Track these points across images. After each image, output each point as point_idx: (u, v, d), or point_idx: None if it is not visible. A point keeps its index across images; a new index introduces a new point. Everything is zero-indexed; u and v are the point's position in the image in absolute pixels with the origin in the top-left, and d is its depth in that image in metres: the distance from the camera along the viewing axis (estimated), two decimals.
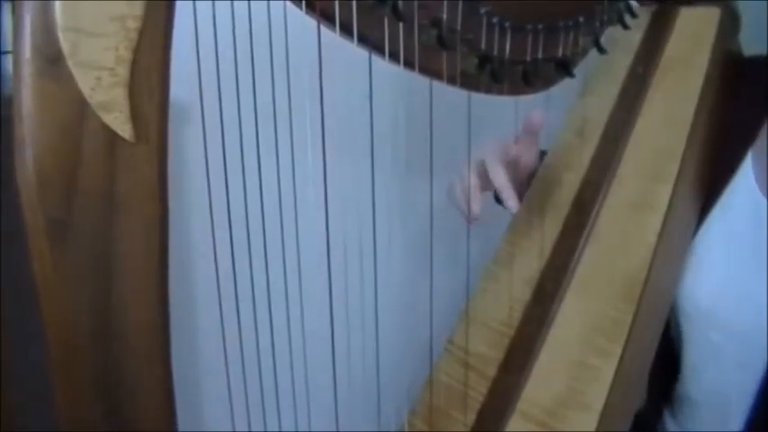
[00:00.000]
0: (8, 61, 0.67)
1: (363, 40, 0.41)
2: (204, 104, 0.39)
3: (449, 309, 0.63)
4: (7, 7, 0.65)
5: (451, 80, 0.47)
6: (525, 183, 0.70)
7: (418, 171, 0.60)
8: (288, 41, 0.42)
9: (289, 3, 0.38)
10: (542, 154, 0.73)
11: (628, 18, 0.62)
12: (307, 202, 0.49)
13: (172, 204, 0.35)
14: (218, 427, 0.47)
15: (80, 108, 0.32)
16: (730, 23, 0.74)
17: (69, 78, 0.31)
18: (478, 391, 0.57)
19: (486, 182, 0.65)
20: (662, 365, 0.67)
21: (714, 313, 0.65)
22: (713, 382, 0.68)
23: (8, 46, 0.67)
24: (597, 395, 0.53)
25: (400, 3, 0.42)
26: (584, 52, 0.57)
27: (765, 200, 0.63)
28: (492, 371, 0.58)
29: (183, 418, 0.39)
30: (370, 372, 0.55)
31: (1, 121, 0.51)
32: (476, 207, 0.63)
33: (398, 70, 0.44)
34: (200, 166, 0.42)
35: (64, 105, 0.31)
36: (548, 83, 0.55)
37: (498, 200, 0.76)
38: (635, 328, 0.56)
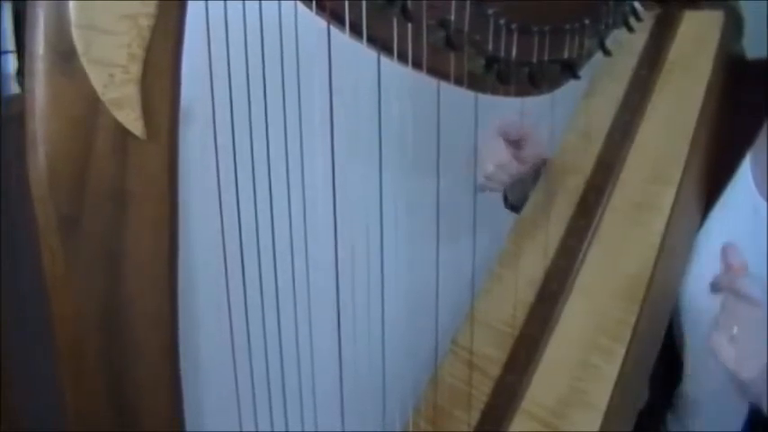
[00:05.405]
0: (8, 61, 0.67)
1: (372, 41, 0.41)
2: (214, 103, 0.39)
3: (454, 309, 0.63)
4: (7, 7, 0.65)
5: (459, 81, 0.47)
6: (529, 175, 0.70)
7: (425, 171, 0.60)
8: (298, 41, 0.42)
9: (299, 3, 0.39)
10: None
11: (632, 21, 0.62)
12: (315, 201, 0.49)
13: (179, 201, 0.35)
14: (224, 426, 0.47)
15: (92, 105, 0.32)
16: (734, 27, 0.75)
17: (82, 75, 0.31)
18: (482, 391, 0.57)
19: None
20: (664, 365, 0.67)
21: (714, 314, 0.65)
22: (714, 382, 0.68)
23: (9, 46, 0.67)
24: (601, 395, 0.54)
25: (409, 3, 0.42)
26: (590, 54, 0.58)
27: (764, 201, 0.63)
28: (496, 371, 0.58)
29: (190, 417, 0.39)
30: (375, 371, 0.55)
31: (1, 121, 0.51)
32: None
33: (407, 71, 0.44)
34: (206, 164, 0.42)
35: (76, 102, 0.32)
36: (553, 84, 0.55)
37: (506, 200, 0.76)
38: (638, 328, 0.57)
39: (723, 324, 0.50)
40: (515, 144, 0.69)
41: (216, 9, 0.37)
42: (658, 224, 0.61)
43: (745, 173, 0.65)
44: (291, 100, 0.45)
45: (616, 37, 0.61)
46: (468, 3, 0.45)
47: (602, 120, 0.72)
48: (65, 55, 0.31)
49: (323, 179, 0.46)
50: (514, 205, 0.76)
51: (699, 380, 0.69)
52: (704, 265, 0.66)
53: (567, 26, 0.53)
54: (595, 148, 0.70)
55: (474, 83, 0.48)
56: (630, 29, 0.62)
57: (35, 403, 0.61)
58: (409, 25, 0.43)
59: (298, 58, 0.43)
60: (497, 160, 0.65)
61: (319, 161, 0.46)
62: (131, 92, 0.32)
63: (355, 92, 0.55)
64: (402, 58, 0.43)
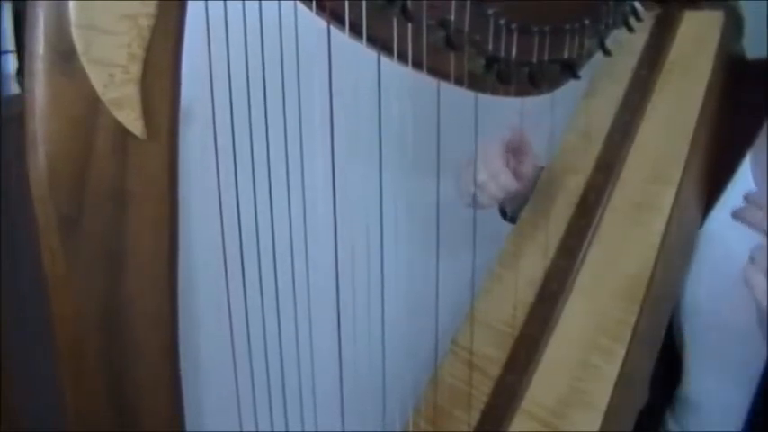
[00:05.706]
0: (8, 61, 0.67)
1: (372, 41, 0.42)
2: (213, 104, 0.39)
3: (454, 309, 0.63)
4: (7, 7, 0.65)
5: (459, 81, 0.47)
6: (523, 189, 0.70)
7: (425, 171, 0.60)
8: (298, 41, 0.42)
9: (299, 3, 0.39)
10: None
11: (632, 21, 0.62)
12: (315, 201, 0.49)
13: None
14: (224, 426, 0.47)
15: (92, 105, 0.32)
16: (734, 27, 0.75)
17: (82, 75, 0.31)
18: (482, 391, 0.57)
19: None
20: (664, 365, 0.67)
21: (714, 314, 0.65)
22: (713, 382, 0.68)
23: (9, 46, 0.67)
24: (601, 395, 0.54)
25: (409, 3, 0.42)
26: (590, 54, 0.58)
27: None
28: (496, 371, 0.58)
29: (190, 417, 0.39)
30: (375, 371, 0.55)
31: (1, 121, 0.51)
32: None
33: (407, 71, 0.44)
34: (206, 164, 0.42)
35: (76, 102, 0.32)
36: (553, 84, 0.55)
37: (504, 213, 0.76)
38: (638, 328, 0.57)
39: (759, 258, 0.52)
40: (516, 153, 0.68)
41: (216, 9, 0.37)
42: (658, 224, 0.62)
43: (745, 173, 0.65)
44: (291, 100, 0.45)
45: (616, 37, 0.61)
46: (468, 3, 0.45)
47: (602, 120, 0.72)
48: (65, 55, 0.31)
49: (323, 180, 0.46)
50: (513, 217, 0.76)
51: (697, 380, 0.69)
52: (704, 266, 0.66)
53: (567, 26, 0.53)
54: (595, 148, 0.70)
55: (474, 83, 0.48)
56: (630, 29, 0.62)
57: (35, 403, 0.61)
58: (409, 25, 0.43)
59: (298, 59, 0.43)
60: (491, 168, 0.64)
61: (319, 162, 0.46)
62: (131, 92, 0.32)
63: (355, 92, 0.55)
64: (402, 58, 0.43)
